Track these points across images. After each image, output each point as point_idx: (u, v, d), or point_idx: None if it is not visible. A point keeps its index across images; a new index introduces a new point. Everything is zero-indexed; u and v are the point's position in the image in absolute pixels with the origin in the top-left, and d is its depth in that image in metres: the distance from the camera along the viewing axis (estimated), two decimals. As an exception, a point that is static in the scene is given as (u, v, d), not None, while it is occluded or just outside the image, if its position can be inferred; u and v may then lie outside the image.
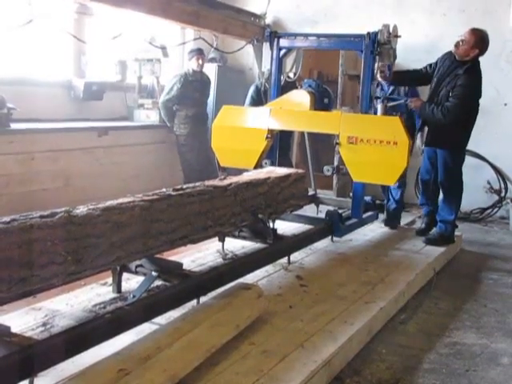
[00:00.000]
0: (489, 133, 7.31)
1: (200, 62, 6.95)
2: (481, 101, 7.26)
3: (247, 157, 5.20)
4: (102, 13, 6.48)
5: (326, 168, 5.23)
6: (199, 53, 6.94)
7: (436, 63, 5.36)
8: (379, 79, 5.36)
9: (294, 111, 5.18)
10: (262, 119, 5.17)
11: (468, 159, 7.22)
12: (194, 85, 6.97)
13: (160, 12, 6.13)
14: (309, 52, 7.86)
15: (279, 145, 5.68)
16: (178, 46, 7.87)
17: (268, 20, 8.33)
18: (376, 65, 5.13)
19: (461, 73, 5.08)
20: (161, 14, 6.20)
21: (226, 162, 5.55)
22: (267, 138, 5.12)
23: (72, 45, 6.38)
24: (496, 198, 7.33)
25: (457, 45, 5.09)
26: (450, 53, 5.25)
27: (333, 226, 4.96)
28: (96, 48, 6.71)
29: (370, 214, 5.60)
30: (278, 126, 5.21)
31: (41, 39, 6.10)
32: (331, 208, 5.36)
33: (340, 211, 5.19)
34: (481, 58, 7.23)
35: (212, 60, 8.07)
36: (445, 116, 5.05)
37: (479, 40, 5.06)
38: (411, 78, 5.58)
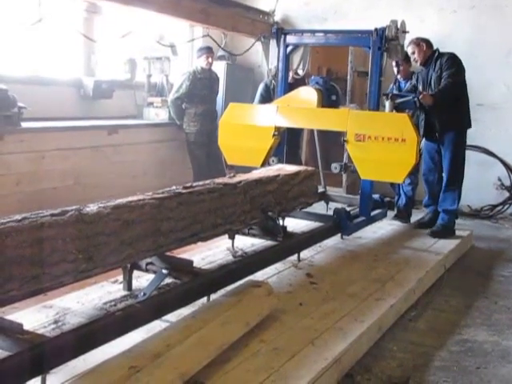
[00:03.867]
0: (499, 129, 7.28)
1: (209, 60, 6.94)
2: (490, 98, 7.28)
3: (254, 154, 5.15)
4: (111, 11, 6.51)
5: (333, 165, 5.21)
6: (208, 51, 6.93)
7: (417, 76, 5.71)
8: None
9: (302, 108, 5.14)
10: (269, 116, 5.12)
11: (478, 156, 7.25)
12: (202, 82, 6.96)
13: (169, 10, 6.17)
14: (317, 49, 7.87)
15: (288, 143, 5.66)
16: (187, 45, 7.90)
17: (277, 17, 8.32)
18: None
19: (436, 58, 5.39)
20: (170, 12, 6.23)
21: (233, 160, 5.51)
22: (274, 135, 5.08)
23: (82, 43, 6.40)
24: (507, 194, 7.28)
25: (416, 59, 5.50)
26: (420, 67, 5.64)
27: (341, 224, 4.92)
28: (105, 46, 6.73)
29: (378, 211, 5.56)
30: (285, 123, 5.16)
31: (51, 38, 6.13)
32: (341, 205, 5.35)
33: (349, 209, 5.17)
34: (490, 56, 7.25)
35: (221, 58, 8.08)
36: (453, 84, 5.24)
37: (418, 41, 5.47)
38: None
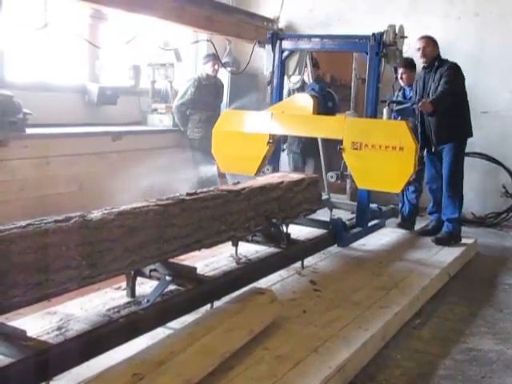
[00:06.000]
0: (503, 136, 7.26)
1: (216, 67, 6.96)
2: (495, 105, 7.26)
3: (248, 163, 5.04)
4: (116, 17, 6.53)
5: (329, 174, 5.14)
6: (215, 58, 6.94)
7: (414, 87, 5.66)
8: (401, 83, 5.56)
9: (297, 115, 5.00)
10: (264, 124, 4.99)
11: (483, 163, 7.23)
12: (207, 89, 6.98)
13: (174, 17, 6.19)
14: (321, 56, 7.86)
15: (306, 150, 5.57)
16: (191, 51, 7.91)
17: (281, 24, 8.33)
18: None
19: (437, 66, 5.35)
20: (175, 19, 6.25)
21: (226, 169, 5.43)
22: (269, 143, 4.98)
23: (86, 50, 6.43)
24: (511, 202, 7.25)
25: (423, 53, 5.39)
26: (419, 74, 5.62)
27: (336, 235, 4.83)
28: (110, 53, 6.75)
29: (375, 222, 5.46)
30: (280, 130, 5.05)
31: (56, 44, 6.15)
32: (345, 212, 5.32)
33: (345, 219, 5.11)
34: (494, 63, 7.23)
35: (225, 64, 8.09)
36: (449, 90, 5.20)
37: (433, 40, 5.45)
38: None
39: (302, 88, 6.49)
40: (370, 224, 5.34)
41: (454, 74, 5.31)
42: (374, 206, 5.47)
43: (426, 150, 5.53)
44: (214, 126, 5.32)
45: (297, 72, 5.74)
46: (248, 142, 5.04)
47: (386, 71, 5.22)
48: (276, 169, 5.29)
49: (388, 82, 5.98)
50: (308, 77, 7.89)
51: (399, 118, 5.59)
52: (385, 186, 4.82)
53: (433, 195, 5.75)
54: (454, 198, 5.47)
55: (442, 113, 5.24)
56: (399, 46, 4.90)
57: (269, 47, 5.37)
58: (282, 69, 5.38)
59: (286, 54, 5.36)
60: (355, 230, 5.10)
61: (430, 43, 5.41)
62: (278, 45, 5.30)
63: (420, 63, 5.54)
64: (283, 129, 5.06)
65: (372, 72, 4.93)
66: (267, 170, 5.17)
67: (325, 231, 4.88)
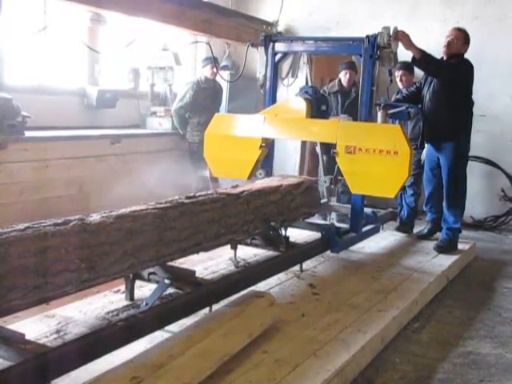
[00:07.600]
0: (503, 140, 7.27)
1: (214, 70, 6.97)
2: (494, 109, 7.26)
3: (241, 167, 4.96)
4: (115, 21, 6.54)
5: (322, 179, 5.06)
6: (214, 61, 6.94)
7: (421, 82, 5.51)
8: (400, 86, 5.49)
9: (290, 119, 4.91)
10: (256, 127, 4.90)
11: (482, 167, 7.25)
12: (206, 92, 6.99)
13: (173, 20, 6.20)
14: (321, 58, 7.88)
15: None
16: (191, 55, 7.93)
17: (280, 28, 8.34)
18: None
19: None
20: (174, 23, 6.26)
21: (218, 173, 5.35)
22: (261, 146, 4.88)
23: (86, 53, 6.43)
24: (510, 205, 7.26)
25: (449, 43, 5.22)
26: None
27: (329, 240, 4.75)
28: (109, 56, 6.75)
29: (370, 227, 5.38)
30: (272, 134, 4.96)
31: (55, 48, 6.15)
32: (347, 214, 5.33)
33: (339, 225, 5.10)
34: (494, 66, 7.23)
35: (224, 67, 8.10)
36: (443, 67, 5.12)
37: (467, 37, 5.29)
38: (415, 99, 5.54)
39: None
40: (364, 229, 5.25)
41: (461, 66, 5.15)
42: (368, 210, 5.43)
43: (426, 147, 5.48)
44: (206, 130, 5.22)
45: (290, 74, 5.68)
46: (240, 145, 4.95)
47: (381, 74, 5.15)
48: (269, 173, 5.20)
49: (383, 85, 5.97)
50: (306, 79, 7.94)
51: (396, 121, 5.57)
52: (379, 191, 4.71)
53: (427, 195, 5.69)
54: (456, 208, 5.39)
55: (418, 64, 5.07)
56: (394, 49, 4.81)
57: (262, 50, 5.29)
58: (275, 72, 5.29)
59: (279, 56, 5.28)
60: (349, 236, 5.02)
61: (460, 38, 5.22)
62: (270, 47, 5.21)
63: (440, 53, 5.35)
64: (276, 132, 4.98)
65: (366, 75, 4.83)
66: (260, 174, 5.06)
67: (320, 235, 4.83)
